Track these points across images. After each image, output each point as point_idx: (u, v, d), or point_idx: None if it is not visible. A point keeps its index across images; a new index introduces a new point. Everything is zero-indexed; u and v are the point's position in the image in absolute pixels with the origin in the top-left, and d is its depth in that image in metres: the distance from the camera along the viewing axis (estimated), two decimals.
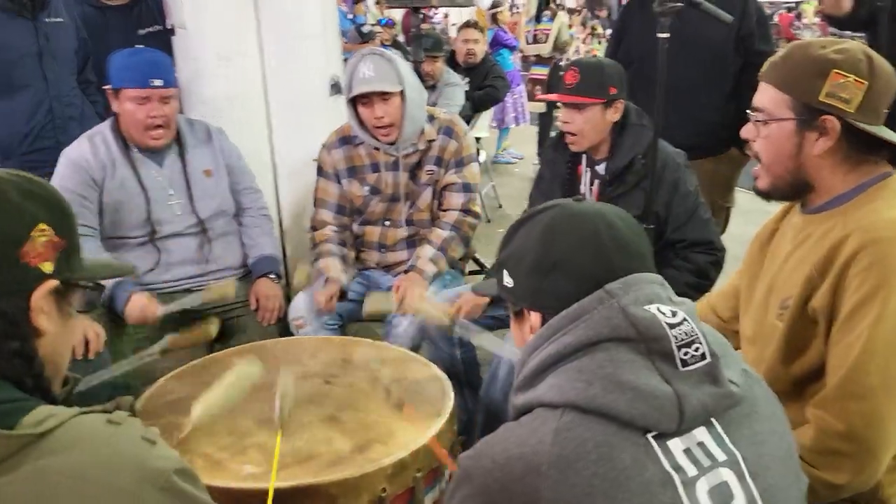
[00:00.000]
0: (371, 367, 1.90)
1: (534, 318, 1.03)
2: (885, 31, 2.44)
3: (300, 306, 2.42)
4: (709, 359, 0.91)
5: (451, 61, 5.27)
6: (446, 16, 12.70)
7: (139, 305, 2.20)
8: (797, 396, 1.36)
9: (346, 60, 5.49)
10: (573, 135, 2.25)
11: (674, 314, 0.92)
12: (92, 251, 2.21)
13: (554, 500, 0.85)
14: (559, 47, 6.76)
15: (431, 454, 1.54)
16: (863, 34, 2.58)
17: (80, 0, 3.04)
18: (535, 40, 6.61)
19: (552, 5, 6.86)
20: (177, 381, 1.86)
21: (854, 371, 1.24)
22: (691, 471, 0.88)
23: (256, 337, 2.25)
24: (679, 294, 2.29)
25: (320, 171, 2.59)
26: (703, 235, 2.23)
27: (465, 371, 2.37)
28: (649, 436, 0.88)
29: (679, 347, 0.90)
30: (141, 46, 2.44)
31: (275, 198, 2.94)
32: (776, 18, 16.61)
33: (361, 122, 2.44)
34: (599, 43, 11.47)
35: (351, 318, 2.56)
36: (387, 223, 2.56)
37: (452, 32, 10.31)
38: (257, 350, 2.05)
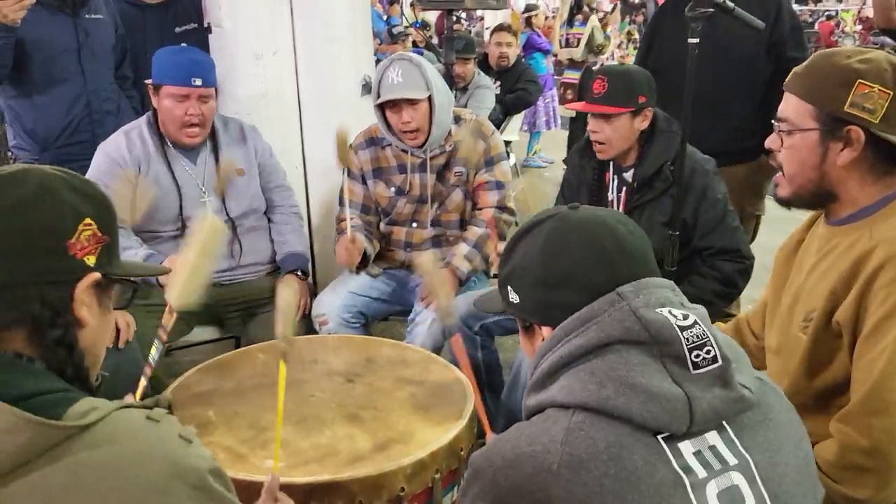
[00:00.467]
0: (393, 368, 1.91)
1: (545, 332, 1.03)
2: None
3: (324, 304, 2.44)
4: (720, 362, 0.91)
5: (484, 64, 5.28)
6: (481, 19, 12.70)
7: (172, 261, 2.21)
8: (820, 410, 1.35)
9: (378, 61, 5.52)
10: (601, 143, 2.24)
11: (685, 317, 0.92)
12: (127, 245, 2.26)
13: (565, 499, 0.86)
14: (594, 51, 6.73)
15: (450, 455, 1.55)
16: None
17: None
18: (568, 44, 6.59)
19: (585, 9, 6.83)
20: (202, 374, 1.89)
21: (878, 386, 1.23)
22: (701, 473, 0.88)
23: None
24: (705, 302, 2.27)
25: (347, 172, 2.61)
26: (730, 243, 2.21)
27: (486, 373, 2.38)
28: (660, 437, 0.89)
29: (690, 350, 0.90)
30: (185, 45, 2.49)
31: (304, 196, 2.97)
32: (816, 27, 16.36)
33: (389, 126, 2.46)
34: (635, 48, 11.39)
35: (375, 317, 2.58)
36: (413, 224, 2.58)
37: (487, 36, 10.30)
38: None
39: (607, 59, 8.30)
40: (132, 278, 1.07)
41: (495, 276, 2.78)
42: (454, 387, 1.81)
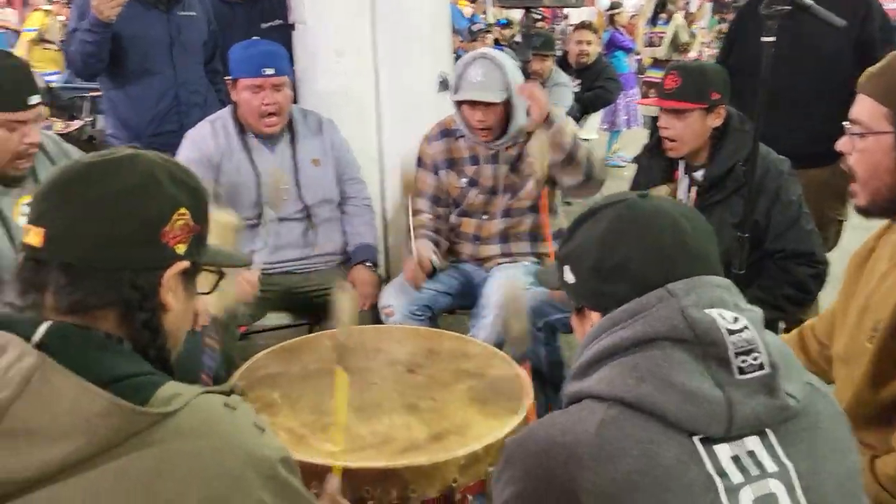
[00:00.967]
0: (455, 361, 1.94)
1: (594, 317, 1.03)
2: None
3: (390, 295, 2.50)
4: (767, 369, 0.89)
5: (564, 62, 5.25)
6: (566, 17, 12.59)
7: (244, 278, 2.29)
8: (884, 423, 1.30)
9: (458, 57, 5.56)
10: (672, 140, 2.20)
11: (735, 320, 0.90)
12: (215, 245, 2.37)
13: (593, 491, 0.86)
14: (679, 49, 6.58)
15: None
16: None
17: None
18: (651, 44, 6.47)
19: (669, 7, 6.67)
20: (271, 358, 1.96)
21: None
22: (737, 478, 0.86)
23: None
24: (776, 308, 2.21)
25: (419, 162, 2.66)
26: (804, 247, 2.14)
27: (548, 370, 2.38)
28: (695, 438, 0.88)
29: (737, 354, 0.88)
30: (257, 38, 2.58)
31: (380, 190, 3.03)
32: None
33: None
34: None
35: (441, 311, 2.61)
36: (484, 216, 2.59)
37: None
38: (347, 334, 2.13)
39: (694, 57, 8.10)
40: (217, 267, 1.10)
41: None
42: (513, 382, 1.82)
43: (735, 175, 2.15)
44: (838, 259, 2.21)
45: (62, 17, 6.78)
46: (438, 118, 2.72)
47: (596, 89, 5.06)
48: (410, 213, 2.66)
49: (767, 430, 0.90)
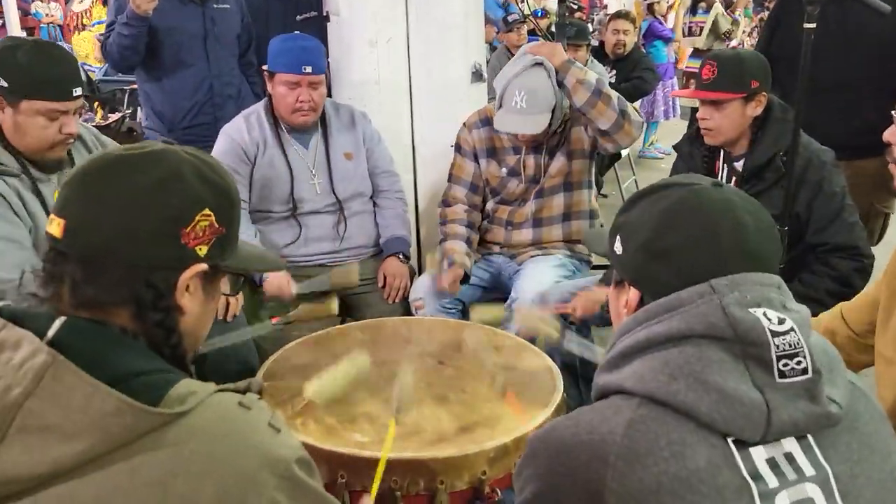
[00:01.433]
0: (485, 353, 1.92)
1: (632, 294, 1.00)
2: None
3: (421, 288, 2.49)
4: (810, 374, 0.85)
5: (600, 52, 5.18)
6: (605, 6, 12.45)
7: (277, 283, 2.33)
8: None
9: (494, 48, 5.49)
10: (710, 130, 2.15)
11: (781, 322, 0.86)
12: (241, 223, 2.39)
13: (619, 492, 0.83)
14: (720, 37, 6.44)
15: None
16: None
17: None
18: (690, 33, 6.34)
19: None
20: (302, 348, 1.97)
21: None
22: (772, 482, 0.83)
23: (380, 313, 2.34)
24: (817, 302, 2.14)
25: (458, 149, 2.64)
26: (847, 240, 2.08)
27: (581, 365, 2.35)
28: (729, 440, 0.84)
29: (779, 358, 0.85)
30: (297, 33, 2.59)
31: (413, 182, 3.02)
32: None
33: None
34: None
35: (472, 303, 2.60)
36: (521, 203, 2.58)
37: None
38: (378, 326, 2.14)
39: (737, 45, 7.92)
40: (243, 272, 1.08)
41: (595, 266, 2.77)
42: (544, 375, 1.80)
43: (775, 166, 2.09)
44: (884, 253, 2.13)
45: None
46: (472, 109, 2.70)
47: (633, 80, 4.98)
48: (441, 212, 2.65)
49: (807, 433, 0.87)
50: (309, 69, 2.41)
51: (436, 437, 1.55)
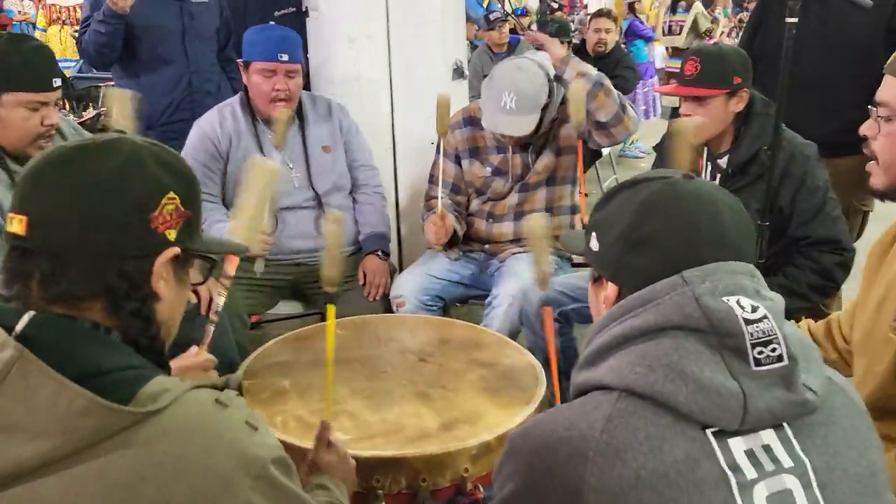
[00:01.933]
0: (466, 350, 1.91)
1: (610, 289, 0.99)
2: None
3: (402, 285, 2.47)
4: (786, 361, 0.85)
5: (581, 51, 5.18)
6: (585, 6, 12.49)
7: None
8: None
9: (474, 46, 5.50)
10: None
11: (754, 309, 0.86)
12: (218, 218, 2.36)
13: (598, 488, 0.82)
14: (700, 36, 6.48)
15: None
16: None
17: None
18: (670, 32, 6.38)
19: None
20: (282, 346, 1.95)
21: None
22: (750, 473, 0.83)
23: (360, 311, 2.32)
24: (800, 296, 2.15)
25: (439, 149, 2.62)
26: (830, 233, 2.09)
27: (563, 360, 2.34)
28: (708, 431, 0.84)
29: (754, 345, 0.84)
30: (273, 24, 2.56)
31: (393, 179, 3.00)
32: None
33: None
34: None
35: (453, 301, 2.59)
36: (503, 198, 2.57)
37: None
38: (359, 324, 2.11)
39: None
40: (211, 254, 1.07)
41: (577, 264, 2.76)
42: (526, 372, 1.79)
43: (759, 160, 2.10)
44: (863, 250, 2.15)
45: None
46: (453, 106, 2.68)
47: (613, 79, 4.97)
48: (426, 199, 2.63)
49: (784, 423, 0.86)
50: (285, 57, 2.38)
51: (418, 434, 1.54)
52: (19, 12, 8.18)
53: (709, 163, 2.24)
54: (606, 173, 5.70)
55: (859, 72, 2.68)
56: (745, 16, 12.14)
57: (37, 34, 7.72)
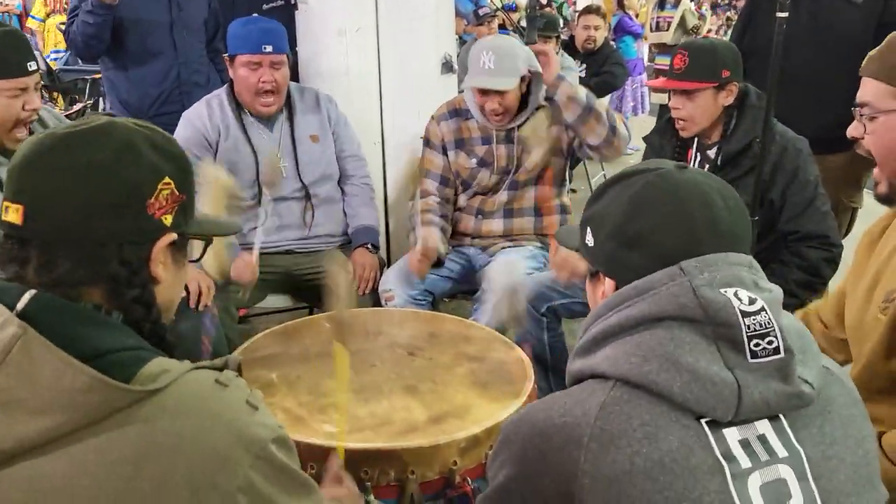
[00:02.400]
0: (455, 344, 1.91)
1: (608, 284, 0.99)
2: None
3: (391, 279, 2.47)
4: (782, 354, 0.85)
5: (570, 47, 5.19)
6: (574, 2, 12.51)
7: (244, 263, 2.29)
8: None
9: (463, 42, 5.49)
10: (683, 120, 2.16)
11: (752, 302, 0.86)
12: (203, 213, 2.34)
13: (592, 474, 0.83)
14: (687, 32, 6.48)
15: None
16: None
17: None
18: (658, 28, 6.38)
19: None
20: (270, 339, 1.94)
21: None
22: (745, 463, 0.83)
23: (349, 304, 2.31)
24: (787, 293, 2.17)
25: (427, 143, 2.62)
26: (819, 228, 2.10)
27: (551, 356, 2.35)
28: (703, 421, 0.84)
29: (750, 338, 0.84)
30: (256, 16, 2.54)
31: (382, 172, 2.99)
32: None
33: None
34: None
35: (442, 295, 2.58)
36: (492, 193, 2.57)
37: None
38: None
39: None
40: (205, 236, 1.07)
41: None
42: (515, 366, 1.79)
43: (751, 153, 2.11)
44: (851, 247, 2.16)
45: None
46: (442, 100, 2.69)
47: (602, 75, 5.00)
48: (417, 197, 2.63)
49: (780, 414, 0.86)
50: (269, 48, 2.37)
51: (406, 427, 1.53)
52: (3, 4, 8.10)
53: (698, 154, 2.25)
54: (595, 169, 5.71)
55: (850, 68, 2.69)
56: (732, 14, 12.20)
57: (31, 23, 7.66)
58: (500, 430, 0.98)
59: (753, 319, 0.85)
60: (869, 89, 1.32)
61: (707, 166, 2.21)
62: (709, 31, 9.55)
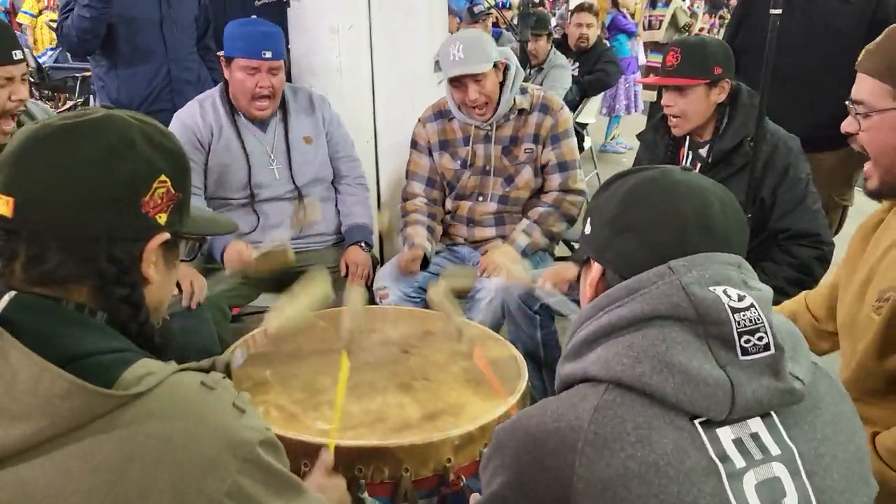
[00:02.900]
0: (448, 342, 1.91)
1: (595, 269, 0.99)
2: None
3: (384, 277, 2.46)
4: (772, 350, 0.85)
5: (563, 45, 5.19)
6: (566, 0, 12.52)
7: (236, 250, 2.28)
8: (889, 395, 1.28)
9: None
10: (676, 118, 2.17)
11: (741, 298, 0.85)
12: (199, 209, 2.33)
13: (587, 478, 0.82)
14: (679, 31, 6.50)
15: None
16: None
17: None
18: (650, 27, 6.39)
19: None
20: (263, 337, 1.92)
21: None
22: (739, 462, 0.83)
23: (343, 303, 2.30)
24: (778, 290, 2.17)
25: (414, 145, 2.63)
26: (810, 226, 2.11)
27: (544, 353, 2.35)
28: (697, 422, 0.84)
29: (741, 334, 0.84)
30: (255, 17, 2.53)
31: (375, 170, 2.99)
32: None
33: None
34: None
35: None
36: (479, 198, 2.56)
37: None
38: (341, 315, 2.10)
39: None
40: (200, 236, 1.05)
41: (559, 258, 2.77)
42: (509, 363, 1.79)
43: (743, 151, 2.12)
44: (843, 244, 2.17)
45: None
46: (435, 98, 2.68)
47: (595, 73, 5.01)
48: (402, 206, 2.64)
49: (771, 412, 0.86)
50: (269, 54, 2.35)
51: (400, 424, 1.53)
52: None
53: (690, 152, 2.25)
54: (588, 168, 5.72)
55: (842, 66, 2.70)
56: (725, 13, 12.23)
57: (22, 18, 7.60)
58: (493, 432, 0.97)
59: (743, 315, 0.85)
60: (865, 87, 1.31)
61: (699, 164, 2.22)
62: (700, 28, 9.58)
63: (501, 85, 2.42)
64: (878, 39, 1.32)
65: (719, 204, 0.94)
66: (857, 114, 1.33)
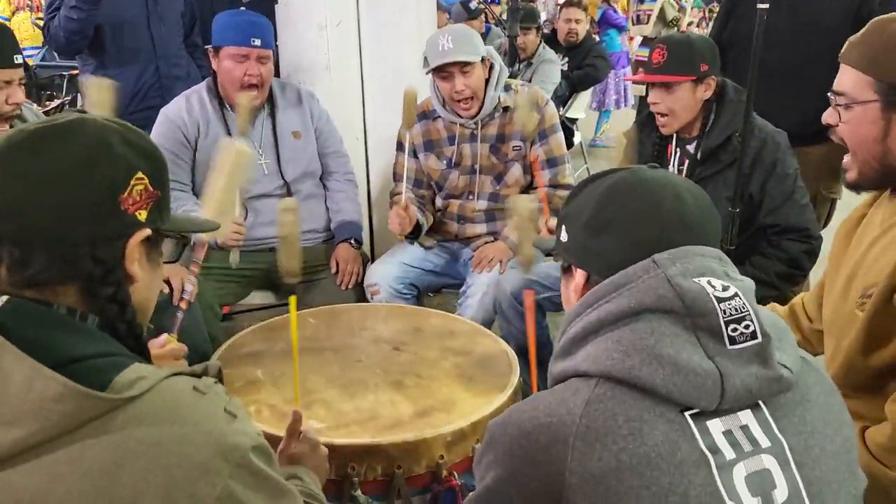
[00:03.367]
0: (440, 338, 1.91)
1: (578, 276, 1.00)
2: None
3: (376, 274, 2.46)
4: (760, 338, 0.86)
5: (552, 40, 5.19)
6: None
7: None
8: (876, 391, 1.29)
9: None
10: (664, 115, 2.17)
11: (725, 288, 0.87)
12: (188, 208, 2.33)
13: (579, 472, 0.83)
14: (667, 25, 6.50)
15: None
16: None
17: None
18: (639, 21, 6.40)
19: None
20: (254, 335, 1.93)
21: None
22: (729, 454, 0.83)
23: (333, 300, 2.30)
24: (768, 285, 2.18)
25: (399, 146, 2.62)
26: (798, 221, 2.12)
27: (536, 349, 2.35)
28: (687, 414, 0.84)
29: (727, 323, 0.85)
30: (244, 9, 2.52)
31: (364, 168, 2.98)
32: None
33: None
34: None
35: (427, 290, 2.58)
36: (470, 196, 2.56)
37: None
38: (332, 313, 2.11)
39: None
40: (181, 233, 1.07)
41: (549, 254, 2.77)
42: (500, 359, 1.80)
43: (731, 147, 2.12)
44: (831, 238, 2.18)
45: None
46: (423, 95, 2.67)
47: (585, 68, 5.01)
48: (390, 203, 2.64)
49: (760, 403, 0.87)
50: (258, 42, 2.35)
51: (392, 422, 1.54)
52: None
53: (678, 149, 2.26)
54: (578, 163, 5.73)
55: (828, 60, 2.71)
56: (715, 6, 12.23)
57: None
58: (486, 427, 0.98)
59: (728, 304, 0.86)
60: (847, 78, 1.32)
61: (687, 161, 2.22)
62: (689, 23, 9.58)
63: (487, 82, 2.42)
64: (861, 31, 1.32)
65: (692, 198, 0.96)
66: (837, 105, 1.34)
